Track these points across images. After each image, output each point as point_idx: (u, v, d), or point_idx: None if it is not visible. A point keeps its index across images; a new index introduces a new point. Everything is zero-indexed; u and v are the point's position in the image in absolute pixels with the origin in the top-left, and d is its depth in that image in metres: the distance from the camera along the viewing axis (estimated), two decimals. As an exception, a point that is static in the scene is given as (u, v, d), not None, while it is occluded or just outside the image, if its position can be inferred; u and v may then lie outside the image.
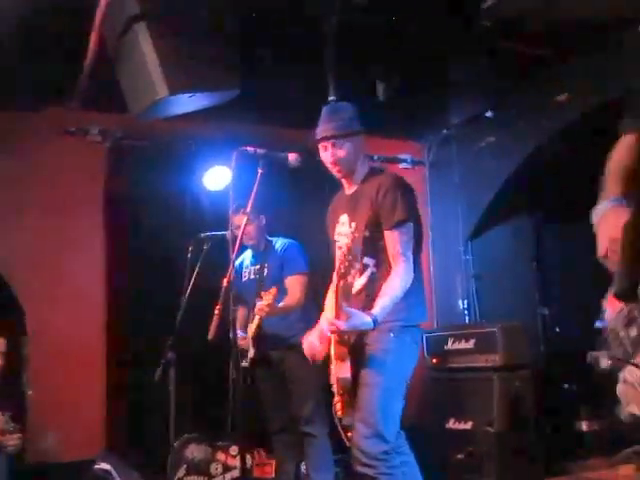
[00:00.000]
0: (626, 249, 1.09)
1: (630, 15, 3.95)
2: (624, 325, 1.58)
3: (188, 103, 4.05)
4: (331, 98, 4.76)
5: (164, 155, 5.24)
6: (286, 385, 4.01)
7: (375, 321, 2.67)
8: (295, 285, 4.00)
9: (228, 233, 3.67)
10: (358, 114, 3.06)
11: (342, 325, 2.64)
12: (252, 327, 3.94)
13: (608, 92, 4.48)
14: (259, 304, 3.68)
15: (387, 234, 2.83)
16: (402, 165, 6.40)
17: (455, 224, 6.07)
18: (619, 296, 1.13)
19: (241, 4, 4.06)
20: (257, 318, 3.84)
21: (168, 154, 5.26)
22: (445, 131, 6.19)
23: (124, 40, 3.85)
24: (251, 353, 3.98)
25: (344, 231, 2.94)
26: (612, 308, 1.64)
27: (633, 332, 1.54)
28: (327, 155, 2.97)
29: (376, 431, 2.69)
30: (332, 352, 2.82)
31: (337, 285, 2.67)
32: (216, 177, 5.04)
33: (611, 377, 1.71)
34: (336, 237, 3.00)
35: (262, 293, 3.80)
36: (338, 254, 2.82)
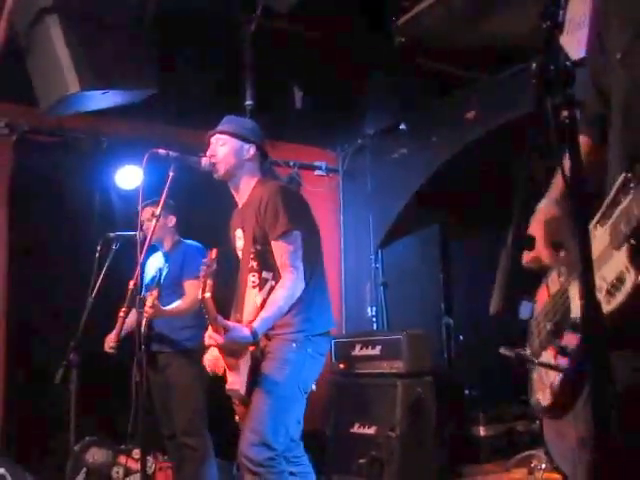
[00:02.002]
0: (505, 264, 1.15)
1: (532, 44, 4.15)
2: (543, 318, 1.68)
3: (101, 100, 3.97)
4: (248, 102, 4.78)
5: (74, 151, 5.10)
6: (170, 392, 3.93)
7: (255, 334, 2.67)
8: (191, 289, 3.91)
9: (138, 233, 3.63)
10: (258, 132, 3.10)
11: (220, 339, 2.63)
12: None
13: (513, 110, 4.69)
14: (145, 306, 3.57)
15: (273, 245, 2.82)
16: (317, 172, 6.48)
17: (366, 232, 6.18)
18: (492, 311, 1.20)
19: (161, 3, 4.02)
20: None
21: (78, 150, 5.12)
22: (360, 141, 6.31)
23: (35, 32, 3.75)
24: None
25: (240, 245, 2.98)
26: (541, 301, 1.73)
27: (548, 326, 1.64)
28: (209, 150, 3.00)
29: (263, 439, 2.69)
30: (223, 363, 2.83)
31: (203, 295, 2.56)
32: (128, 176, 4.95)
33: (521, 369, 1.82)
34: (237, 251, 3.03)
35: (147, 295, 3.75)
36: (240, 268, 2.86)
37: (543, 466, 4.18)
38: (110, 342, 3.81)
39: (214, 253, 2.59)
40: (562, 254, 1.58)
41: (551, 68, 1.08)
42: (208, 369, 2.97)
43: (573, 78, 1.07)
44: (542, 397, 1.64)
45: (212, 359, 2.95)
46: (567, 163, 1.09)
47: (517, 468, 4.50)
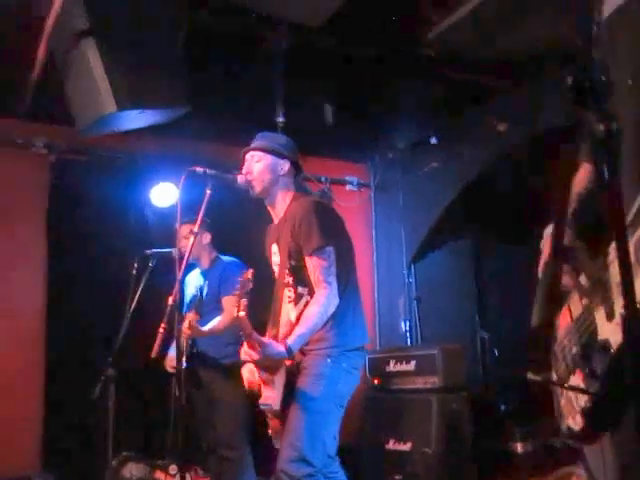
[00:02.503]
0: (542, 287, 1.15)
1: (566, 49, 4.13)
2: (568, 341, 1.66)
3: (136, 119, 4.04)
4: (279, 119, 4.83)
5: (110, 170, 5.20)
6: (212, 407, 3.96)
7: (289, 350, 2.68)
8: (228, 306, 3.94)
9: (174, 250, 3.68)
10: (292, 147, 3.11)
11: (255, 355, 2.65)
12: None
13: (545, 122, 4.66)
14: (183, 326, 3.61)
15: (307, 261, 2.83)
16: (348, 187, 6.49)
17: (399, 247, 6.17)
18: (534, 324, 1.20)
19: (192, 23, 4.09)
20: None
21: (114, 169, 5.22)
22: (391, 155, 6.31)
23: (72, 54, 3.83)
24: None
25: (276, 261, 3.00)
26: (564, 322, 1.71)
27: (574, 349, 1.61)
28: (245, 167, 3.02)
29: (301, 455, 2.68)
30: (257, 375, 2.84)
31: (237, 314, 2.60)
32: (163, 194, 5.02)
33: (550, 393, 1.79)
34: (273, 267, 3.06)
35: (186, 315, 3.79)
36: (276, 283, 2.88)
37: (583, 482, 4.10)
38: (171, 362, 3.86)
39: (250, 273, 2.62)
40: (582, 278, 1.56)
41: (586, 82, 1.08)
42: (245, 385, 2.98)
43: (608, 91, 1.07)
44: (573, 422, 1.61)
45: (249, 376, 2.96)
46: (603, 177, 1.08)
47: (556, 485, 4.43)
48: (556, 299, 1.15)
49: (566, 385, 1.63)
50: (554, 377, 1.68)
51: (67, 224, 4.99)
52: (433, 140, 5.77)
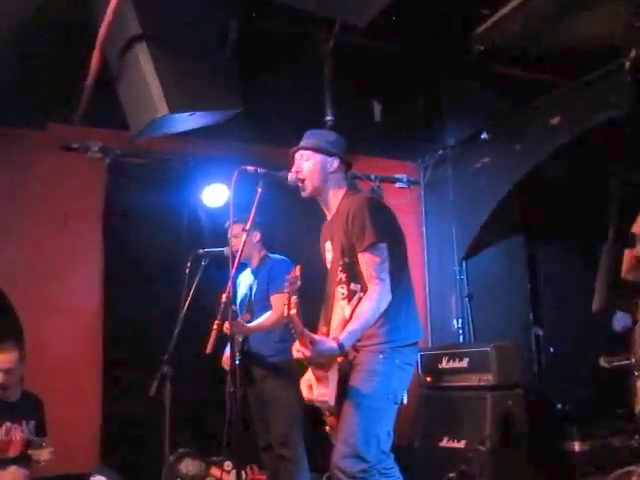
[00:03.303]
0: (604, 273, 1.14)
1: (618, 43, 4.05)
2: None
3: (188, 121, 4.11)
4: (328, 118, 4.84)
5: (163, 172, 5.30)
6: (266, 405, 3.99)
7: (341, 346, 2.67)
8: (277, 303, 3.95)
9: (226, 249, 3.72)
10: (341, 144, 3.09)
11: (307, 351, 2.65)
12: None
13: (598, 114, 4.58)
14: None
15: (360, 258, 2.81)
16: (398, 184, 6.48)
17: (450, 244, 6.12)
18: (595, 313, 1.18)
19: (242, 23, 4.13)
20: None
21: (166, 171, 5.32)
22: (441, 152, 6.27)
23: (125, 59, 3.92)
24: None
25: (329, 258, 3.00)
26: None
27: None
28: (295, 166, 3.03)
29: (355, 451, 2.67)
30: (313, 375, 2.84)
31: (289, 312, 2.58)
32: (214, 194, 5.09)
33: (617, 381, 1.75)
34: (327, 264, 3.06)
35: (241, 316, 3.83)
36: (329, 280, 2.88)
37: (644, 482, 4.00)
38: (227, 360, 3.91)
39: (298, 270, 2.61)
40: None
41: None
42: (304, 396, 2.96)
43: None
44: None
45: (305, 384, 2.95)
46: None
47: (616, 485, 4.33)
48: (616, 283, 1.14)
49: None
50: (632, 361, 1.66)
51: (122, 226, 5.12)
52: (484, 136, 5.70)
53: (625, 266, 1.45)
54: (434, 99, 5.33)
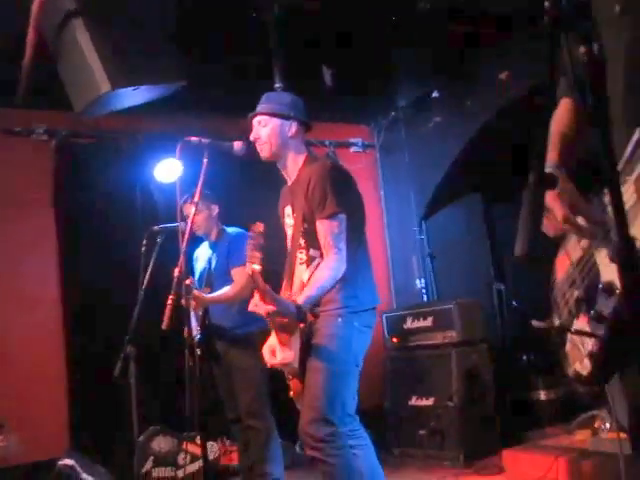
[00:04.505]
0: (525, 216, 1.13)
1: None
2: (569, 286, 1.63)
3: (133, 97, 3.99)
4: (277, 85, 4.78)
5: (112, 151, 5.21)
6: (232, 377, 3.99)
7: (299, 308, 2.66)
8: (238, 277, 3.91)
9: (181, 224, 3.67)
10: (298, 105, 3.03)
11: (266, 307, 2.62)
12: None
13: (547, 66, 4.57)
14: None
15: (318, 226, 2.81)
16: (353, 149, 6.46)
17: (408, 205, 6.15)
18: (517, 254, 1.17)
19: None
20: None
21: (116, 149, 5.23)
22: (393, 113, 6.25)
23: (62, 36, 3.79)
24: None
25: (289, 223, 2.98)
26: (562, 269, 1.68)
27: (576, 293, 1.59)
28: (252, 133, 2.99)
29: (321, 415, 2.68)
30: (276, 340, 2.84)
31: (251, 267, 2.55)
32: (167, 170, 5.00)
33: (560, 340, 1.76)
34: (286, 228, 3.04)
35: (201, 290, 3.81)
36: (289, 245, 2.86)
37: (607, 426, 4.11)
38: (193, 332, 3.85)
39: (261, 227, 2.58)
40: (579, 219, 1.53)
41: (564, 3, 1.04)
42: (267, 362, 2.95)
43: (589, 12, 1.03)
44: (581, 367, 1.58)
45: (269, 350, 2.95)
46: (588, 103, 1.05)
47: (580, 430, 4.43)
48: (539, 228, 1.13)
49: (574, 329, 1.60)
50: (557, 322, 1.67)
51: (74, 208, 5.03)
52: (435, 94, 5.70)
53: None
54: (384, 60, 5.29)
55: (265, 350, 2.94)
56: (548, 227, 1.55)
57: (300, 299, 2.69)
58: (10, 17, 3.92)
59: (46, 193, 5.01)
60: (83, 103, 3.94)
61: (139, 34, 3.83)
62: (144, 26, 3.87)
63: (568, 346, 1.66)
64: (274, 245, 3.01)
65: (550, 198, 1.52)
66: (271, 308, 2.62)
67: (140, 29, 3.84)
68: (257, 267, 2.52)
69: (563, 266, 1.67)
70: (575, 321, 1.59)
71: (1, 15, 3.93)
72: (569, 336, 1.64)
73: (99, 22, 3.69)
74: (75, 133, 5.10)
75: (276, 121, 2.96)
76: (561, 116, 1.73)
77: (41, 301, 4.92)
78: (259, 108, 3.02)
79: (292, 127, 2.96)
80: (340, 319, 2.78)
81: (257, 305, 2.67)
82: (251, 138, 2.97)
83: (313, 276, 2.78)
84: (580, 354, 1.58)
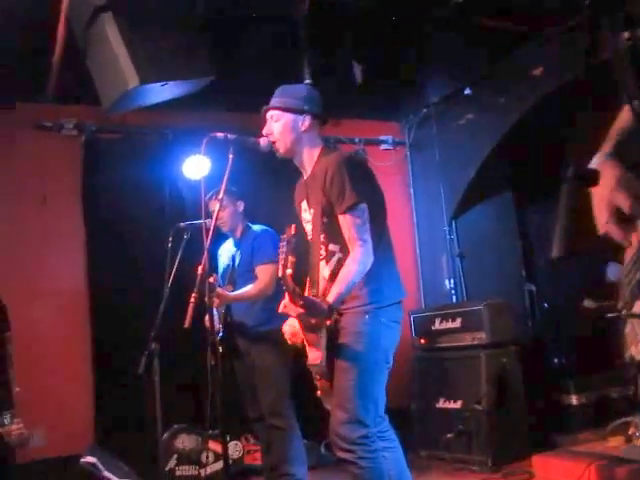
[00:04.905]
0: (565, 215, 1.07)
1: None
2: (633, 265, 1.56)
3: (161, 92, 4.00)
4: (306, 81, 4.72)
5: (141, 146, 5.21)
6: (254, 375, 3.95)
7: (330, 308, 2.60)
8: (262, 274, 3.90)
9: (206, 221, 3.64)
10: (314, 98, 2.95)
11: (296, 309, 2.57)
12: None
13: (581, 62, 4.47)
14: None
15: (340, 219, 2.72)
16: (383, 146, 6.38)
17: (438, 203, 6.05)
18: (554, 255, 1.11)
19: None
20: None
21: (145, 145, 5.23)
22: (424, 110, 6.16)
23: (91, 32, 3.80)
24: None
25: (307, 218, 2.92)
26: (630, 250, 1.62)
27: (638, 275, 1.52)
28: (265, 128, 2.92)
29: (354, 416, 2.62)
30: (296, 322, 2.79)
31: (284, 271, 2.49)
32: (195, 166, 4.98)
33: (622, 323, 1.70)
34: (304, 224, 2.97)
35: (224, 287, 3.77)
36: (309, 242, 2.81)
37: (641, 432, 3.99)
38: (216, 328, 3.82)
39: (293, 229, 2.52)
40: None
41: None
42: (288, 339, 2.92)
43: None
44: (635, 351, 1.51)
45: (290, 329, 2.91)
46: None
47: (613, 436, 4.32)
48: (578, 224, 1.07)
49: (627, 312, 1.53)
50: (620, 304, 1.60)
51: (102, 203, 5.04)
52: (467, 91, 5.59)
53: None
54: (415, 56, 5.20)
55: (286, 328, 2.90)
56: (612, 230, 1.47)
57: (330, 297, 2.63)
58: (40, 13, 3.92)
59: (75, 187, 5.03)
60: (111, 98, 3.94)
61: (168, 29, 3.83)
62: (173, 21, 3.87)
63: (627, 328, 1.59)
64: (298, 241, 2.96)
65: (612, 189, 1.43)
66: (301, 310, 2.57)
67: (169, 24, 3.84)
68: (290, 271, 2.48)
69: (632, 249, 1.60)
70: (636, 302, 1.53)
71: (31, 11, 3.93)
72: (630, 319, 1.58)
73: (128, 17, 3.69)
74: (104, 128, 5.11)
75: (288, 116, 2.88)
76: (622, 117, 1.67)
77: (68, 295, 4.94)
78: (272, 102, 2.95)
79: (305, 121, 2.88)
80: (367, 316, 2.70)
81: (287, 307, 2.62)
82: (263, 132, 2.91)
83: (341, 272, 2.71)
84: (636, 338, 1.51)
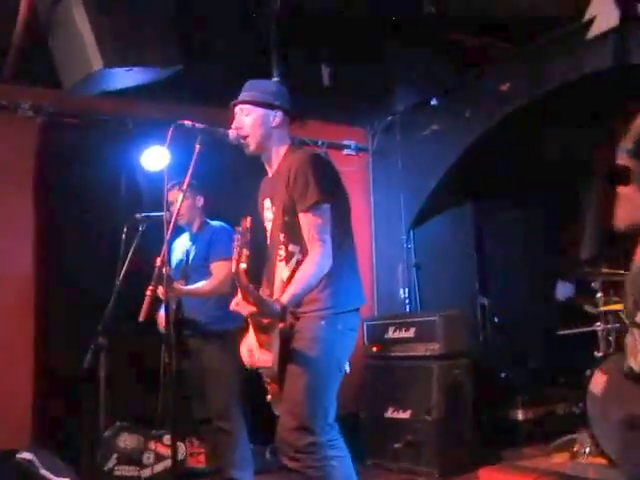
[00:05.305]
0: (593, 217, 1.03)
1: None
2: (634, 281, 1.52)
3: (125, 78, 3.87)
4: (274, 79, 4.66)
5: (99, 133, 5.04)
6: (203, 375, 3.85)
7: (283, 309, 2.53)
8: (218, 271, 3.83)
9: (165, 214, 3.54)
10: (283, 95, 2.90)
11: (249, 307, 2.49)
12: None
13: (549, 81, 4.54)
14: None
15: (301, 218, 2.66)
16: (346, 151, 6.35)
17: (398, 212, 6.04)
18: (584, 257, 1.07)
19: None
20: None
21: (104, 132, 5.06)
22: (389, 118, 6.15)
23: (57, 10, 3.66)
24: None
25: (269, 216, 2.85)
26: (638, 258, 1.57)
27: None
28: (235, 122, 2.85)
29: (302, 423, 2.55)
30: (254, 340, 2.71)
31: (238, 266, 2.40)
32: (154, 157, 4.86)
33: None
34: (265, 223, 2.90)
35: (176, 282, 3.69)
36: (268, 240, 2.74)
37: (587, 450, 4.03)
38: (162, 320, 3.71)
39: (248, 222, 2.43)
40: None
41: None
42: (245, 362, 2.83)
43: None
44: (634, 362, 1.48)
45: (247, 351, 2.82)
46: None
47: (559, 452, 4.37)
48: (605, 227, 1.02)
49: (630, 321, 1.50)
50: (623, 314, 1.57)
51: (56, 188, 4.86)
52: (434, 102, 5.60)
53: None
54: (384, 63, 5.19)
55: (243, 349, 2.81)
56: (623, 217, 1.43)
57: (284, 298, 2.55)
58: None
59: (28, 171, 4.83)
60: (73, 80, 3.80)
61: (137, 15, 3.72)
62: (143, 7, 3.75)
63: (628, 338, 1.55)
64: (258, 241, 2.89)
65: None
66: (254, 309, 2.49)
67: (138, 8, 3.72)
68: (244, 266, 2.39)
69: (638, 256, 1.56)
70: (639, 313, 1.49)
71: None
72: (632, 328, 1.54)
73: (96, -1, 3.57)
74: (63, 111, 4.93)
75: (259, 110, 2.83)
76: None
77: (14, 281, 4.74)
78: (242, 96, 2.88)
79: (277, 117, 2.82)
80: (323, 322, 2.63)
81: (239, 304, 2.53)
82: (233, 126, 2.84)
83: (297, 272, 2.63)
84: (636, 349, 1.48)
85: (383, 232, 6.29)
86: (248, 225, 2.42)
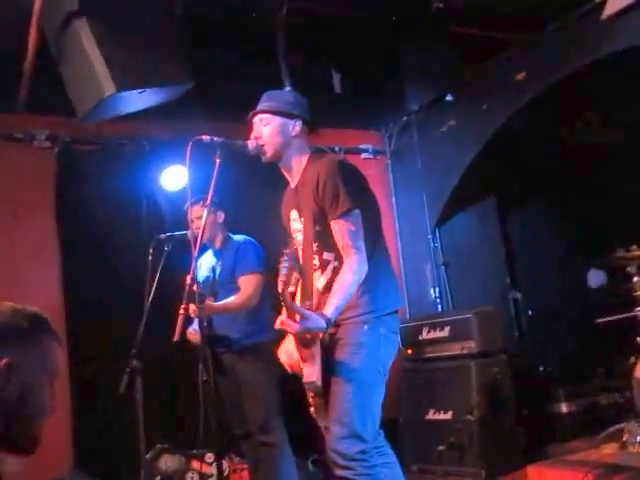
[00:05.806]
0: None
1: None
2: None
3: (138, 100, 3.87)
4: (287, 89, 4.63)
5: (117, 157, 5.04)
6: (240, 391, 3.81)
7: (328, 323, 2.50)
8: (246, 285, 3.82)
9: (189, 232, 3.54)
10: (302, 104, 2.90)
11: (294, 325, 2.47)
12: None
13: (565, 65, 4.46)
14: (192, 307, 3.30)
15: (333, 226, 2.64)
16: (364, 155, 6.30)
17: (421, 212, 5.96)
18: None
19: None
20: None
21: (120, 156, 5.06)
22: (405, 118, 6.09)
23: (65, 38, 3.66)
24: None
25: (297, 227, 2.81)
26: None
27: None
28: (253, 132, 2.85)
29: (352, 431, 2.53)
30: (293, 345, 2.67)
31: (285, 287, 2.42)
32: (173, 177, 4.86)
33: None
34: (293, 234, 2.87)
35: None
36: (299, 251, 2.71)
37: (638, 438, 3.92)
38: (194, 333, 3.66)
39: (295, 245, 2.46)
40: None
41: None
42: (287, 368, 2.80)
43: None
44: None
45: (287, 359, 2.79)
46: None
47: (607, 443, 4.26)
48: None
49: None
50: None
51: (77, 217, 4.86)
52: (449, 98, 5.53)
53: None
54: (394, 63, 5.14)
55: (282, 355, 2.82)
56: None
57: (328, 311, 2.51)
58: (11, 18, 3.78)
59: (48, 201, 4.84)
60: (86, 107, 3.80)
61: (144, 35, 3.70)
62: (149, 27, 3.74)
63: None
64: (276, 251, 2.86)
65: None
66: (299, 327, 2.46)
67: (145, 30, 3.71)
68: (292, 289, 2.39)
69: None
70: None
71: (1, 16, 3.78)
72: None
73: (103, 22, 3.56)
74: (78, 139, 4.94)
75: (278, 119, 2.82)
76: None
77: (42, 309, 4.73)
78: (260, 106, 2.88)
79: (296, 126, 2.82)
80: (366, 326, 2.61)
81: (285, 322, 2.50)
82: (252, 136, 2.82)
83: (336, 282, 2.60)
84: None
85: (408, 233, 6.22)
86: (294, 248, 2.42)
